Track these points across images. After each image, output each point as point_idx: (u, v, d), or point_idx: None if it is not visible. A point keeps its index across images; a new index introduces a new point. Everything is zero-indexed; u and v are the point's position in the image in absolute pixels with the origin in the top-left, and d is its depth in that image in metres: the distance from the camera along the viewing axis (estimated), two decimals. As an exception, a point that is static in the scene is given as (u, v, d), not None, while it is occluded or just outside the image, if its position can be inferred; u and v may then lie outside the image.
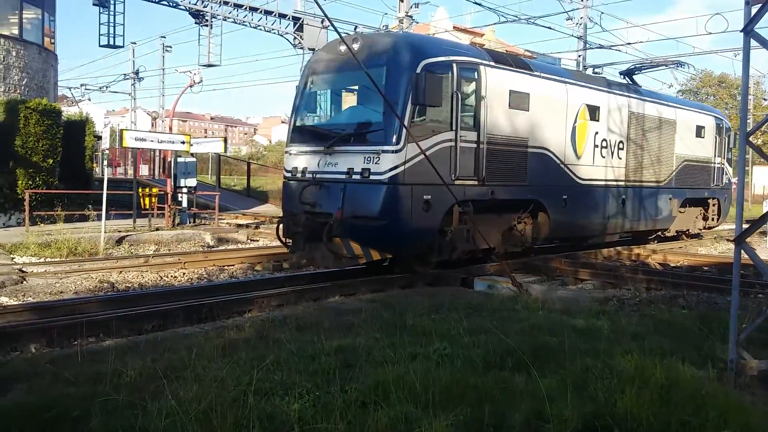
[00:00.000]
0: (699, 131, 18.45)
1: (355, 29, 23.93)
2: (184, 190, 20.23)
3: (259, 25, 25.59)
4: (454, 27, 50.22)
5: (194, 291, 9.50)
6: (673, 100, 18.74)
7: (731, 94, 63.10)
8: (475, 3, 21.02)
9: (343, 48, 10.93)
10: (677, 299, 8.77)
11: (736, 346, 4.77)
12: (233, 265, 12.99)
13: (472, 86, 11.31)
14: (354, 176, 10.29)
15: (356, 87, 11.69)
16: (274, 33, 26.28)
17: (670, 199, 17.35)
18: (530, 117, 12.47)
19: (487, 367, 5.24)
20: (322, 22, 25.72)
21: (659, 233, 18.47)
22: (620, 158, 15.24)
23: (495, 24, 24.11)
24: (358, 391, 4.54)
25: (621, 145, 15.23)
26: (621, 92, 15.56)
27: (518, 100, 12.19)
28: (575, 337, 6.16)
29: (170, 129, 22.39)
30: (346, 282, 10.39)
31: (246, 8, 25.11)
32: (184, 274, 11.98)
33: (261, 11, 25.57)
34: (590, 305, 8.37)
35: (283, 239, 11.43)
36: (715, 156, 19.38)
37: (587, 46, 27.74)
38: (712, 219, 20.24)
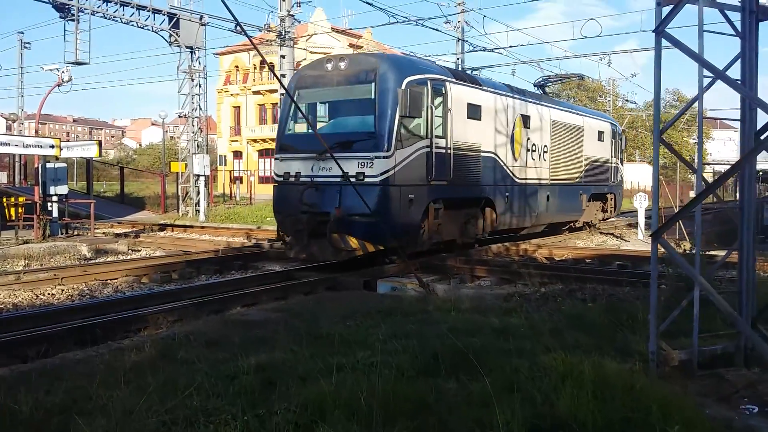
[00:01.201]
0: (600, 136, 21.18)
1: (235, 27, 23.17)
2: (55, 198, 18.70)
3: (131, 21, 24.16)
4: (332, 28, 50.10)
5: (79, 309, 8.66)
6: (581, 110, 21.94)
7: (589, 96, 67.44)
8: (367, 3, 20.92)
9: (330, 65, 12.69)
10: (575, 292, 9.07)
11: (656, 338, 4.88)
12: (117, 279, 12.08)
13: (441, 100, 12.90)
14: (350, 179, 11.04)
15: (345, 100, 12.89)
16: (148, 29, 24.93)
17: (581, 194, 19.87)
18: (482, 126, 14.36)
19: (417, 374, 5.08)
20: (201, 19, 24.72)
21: (571, 224, 20.83)
22: (545, 160, 17.54)
23: (381, 25, 24.09)
24: (291, 411, 4.23)
25: (545, 149, 17.55)
26: (545, 104, 18.08)
27: (473, 112, 14.01)
28: (495, 337, 6.16)
29: (36, 132, 20.64)
30: (246, 291, 9.92)
31: (116, 2, 23.61)
32: (62, 291, 10.98)
33: (133, 6, 24.13)
34: (496, 303, 8.48)
35: (284, 237, 12.70)
36: (611, 157, 22.21)
37: (465, 48, 28.45)
38: (610, 211, 23.10)
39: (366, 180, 11.56)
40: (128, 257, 15.77)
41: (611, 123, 22.88)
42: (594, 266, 13.15)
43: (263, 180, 57.24)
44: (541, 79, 20.71)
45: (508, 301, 8.66)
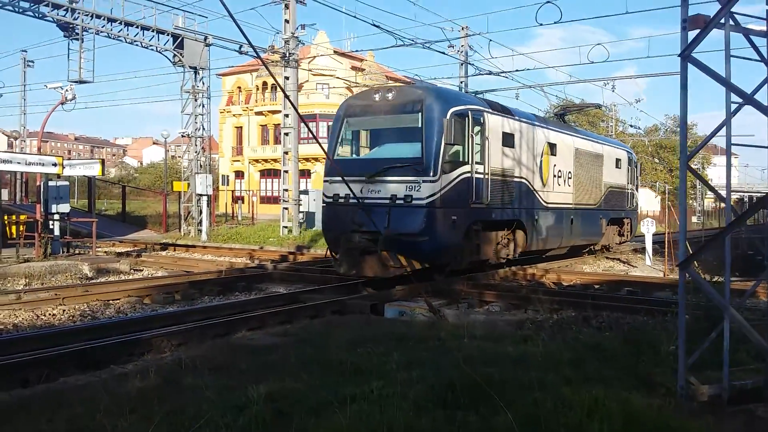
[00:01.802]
0: (617, 163, 22.20)
1: (240, 48, 23.21)
2: (56, 216, 18.52)
3: (135, 41, 24.15)
4: (334, 51, 50.30)
5: (81, 332, 8.46)
6: (600, 138, 23.03)
7: (590, 121, 67.57)
8: (374, 25, 20.94)
9: (377, 96, 13.67)
10: (590, 320, 8.85)
11: (685, 372, 4.68)
12: (119, 299, 11.87)
13: (479, 129, 13.75)
14: (397, 201, 12.45)
15: (393, 128, 13.71)
16: (152, 49, 24.93)
17: (601, 218, 20.69)
18: (514, 153, 15.25)
19: (434, 407, 4.87)
20: (205, 39, 24.73)
21: (591, 247, 21.56)
22: (569, 185, 18.43)
23: (385, 48, 24.15)
24: (306, 447, 4.02)
25: (569, 175, 18.45)
26: (569, 132, 19.27)
27: (507, 140, 14.91)
28: (512, 367, 5.94)
29: (38, 150, 20.52)
30: (251, 314, 9.71)
31: (121, 22, 23.62)
32: (64, 311, 10.77)
33: (138, 26, 24.14)
34: (509, 329, 8.27)
35: (333, 254, 13.45)
36: (628, 183, 23.16)
37: (470, 72, 28.47)
38: (626, 235, 23.73)
39: (413, 202, 12.40)
40: (130, 277, 15.57)
41: (627, 151, 23.93)
42: (607, 293, 12.92)
43: (265, 200, 57.16)
44: (560, 109, 22.54)
45: (521, 328, 8.45)
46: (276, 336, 8.11)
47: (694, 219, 55.57)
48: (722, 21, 4.50)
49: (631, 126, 46.63)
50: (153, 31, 25.00)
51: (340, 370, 5.98)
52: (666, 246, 18.19)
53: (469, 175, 13.23)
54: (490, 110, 14.49)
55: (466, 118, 13.23)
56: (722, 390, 4.83)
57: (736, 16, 4.72)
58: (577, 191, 18.88)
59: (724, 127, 4.92)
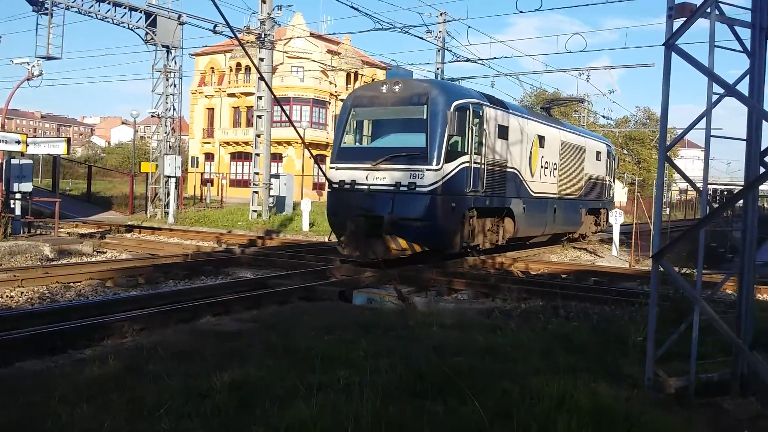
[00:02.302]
0: (597, 155, 23.06)
1: (214, 27, 22.75)
2: (18, 195, 18.01)
3: (106, 18, 23.50)
4: (310, 33, 49.76)
5: (39, 315, 8.19)
6: (582, 131, 23.71)
7: (562, 111, 68.09)
8: (352, 7, 20.66)
9: (384, 88, 14.38)
10: (557, 310, 8.85)
11: (653, 364, 4.66)
12: (80, 282, 11.55)
13: (478, 122, 14.55)
14: (401, 188, 13.23)
15: (399, 119, 14.42)
16: (124, 26, 24.31)
17: (581, 208, 21.54)
18: (508, 144, 16.11)
19: (402, 396, 4.78)
20: (179, 18, 24.19)
21: (569, 235, 22.15)
22: (554, 176, 19.29)
23: (362, 32, 23.91)
24: (270, 438, 3.90)
25: (555, 166, 19.31)
26: (556, 125, 20.18)
27: (502, 132, 15.79)
28: (481, 356, 5.89)
29: (2, 127, 19.92)
30: (217, 300, 9.52)
31: (92, -3, 22.98)
32: (22, 293, 10.44)
33: (109, 2, 23.48)
34: (478, 318, 8.23)
35: (338, 237, 13.97)
36: (606, 175, 24.06)
37: (448, 58, 28.34)
38: (602, 225, 24.50)
39: (417, 189, 13.16)
40: (93, 259, 15.22)
41: (607, 144, 24.87)
42: (574, 282, 12.98)
43: (235, 183, 56.56)
44: (546, 102, 23.89)
45: (490, 317, 8.42)
46: (242, 322, 7.94)
47: (654, 211, 56.36)
48: (708, 10, 4.43)
49: (603, 117, 46.82)
50: (125, 7, 24.36)
51: (307, 357, 5.86)
52: (633, 237, 18.37)
53: (468, 164, 14.06)
54: (488, 104, 15.32)
55: (467, 111, 14.08)
56: (689, 383, 4.83)
57: (722, 6, 4.66)
58: (561, 182, 19.73)
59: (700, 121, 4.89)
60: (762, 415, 4.28)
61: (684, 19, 4.47)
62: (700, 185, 5.03)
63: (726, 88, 4.46)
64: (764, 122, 4.90)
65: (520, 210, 16.82)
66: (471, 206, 14.45)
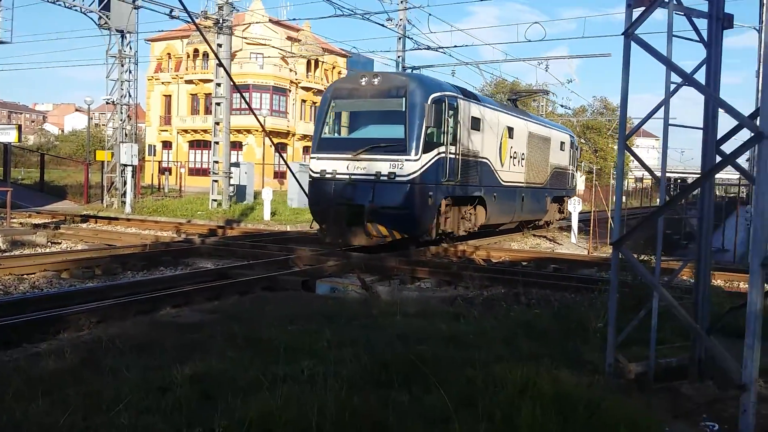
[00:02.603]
0: (561, 146, 24.02)
1: (170, 12, 22.24)
2: (-34, 185, 17.38)
3: (58, 1, 22.78)
4: (270, 19, 49.13)
5: (-9, 308, 7.93)
6: (547, 123, 24.66)
7: (522, 101, 68.66)
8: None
9: (364, 81, 14.88)
10: (519, 297, 8.94)
11: (614, 350, 4.74)
12: (34, 274, 11.24)
13: (453, 114, 15.22)
14: (381, 177, 13.87)
15: (378, 111, 14.95)
16: (76, 10, 23.60)
17: (546, 196, 22.37)
18: (480, 136, 16.82)
19: (368, 386, 4.77)
20: (133, 1, 23.56)
21: (535, 222, 23.11)
22: (522, 166, 20.06)
23: (323, 18, 23.72)
24: (233, 430, 3.84)
25: (523, 156, 20.10)
26: (523, 117, 20.94)
27: (475, 124, 16.48)
28: (445, 344, 5.91)
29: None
30: (177, 290, 9.36)
31: (42, -20, 22.23)
32: (-28, 285, 10.12)
33: (60, -15, 22.78)
34: (441, 307, 8.27)
35: (320, 225, 14.69)
36: (569, 165, 25.10)
37: (409, 46, 28.27)
38: (565, 212, 25.31)
39: (396, 179, 13.81)
40: (47, 250, 14.81)
41: (570, 135, 25.92)
42: (535, 270, 13.15)
43: (194, 172, 55.70)
44: (513, 94, 25.32)
45: (453, 305, 8.47)
46: (203, 313, 7.83)
47: (615, 199, 57.53)
48: (666, 1, 4.48)
49: (562, 106, 47.42)
50: (77, -10, 23.66)
51: (270, 348, 5.80)
52: (591, 225, 18.69)
53: (444, 155, 14.75)
54: (462, 96, 16.05)
55: (443, 104, 14.71)
56: (649, 368, 4.92)
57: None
58: (529, 171, 20.57)
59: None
60: (719, 399, 4.39)
61: (643, 8, 4.51)
62: (657, 173, 5.12)
63: (684, 77, 4.53)
64: (720, 111, 5.00)
65: (491, 198, 17.53)
66: (447, 195, 15.16)
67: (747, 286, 11.30)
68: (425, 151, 14.01)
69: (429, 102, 14.08)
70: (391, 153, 13.95)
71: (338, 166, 14.44)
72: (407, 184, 13.80)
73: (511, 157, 19.09)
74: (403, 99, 14.16)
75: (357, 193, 14.04)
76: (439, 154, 14.55)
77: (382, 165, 13.95)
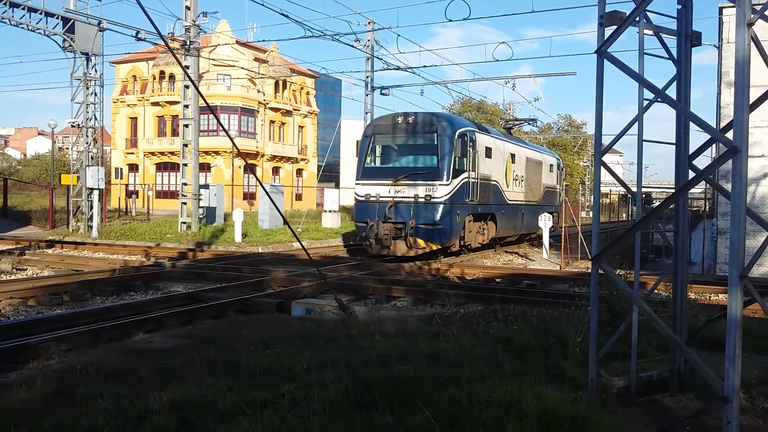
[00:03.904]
0: (551, 168, 27.45)
1: (137, 34, 22.06)
2: (-74, 212, 16.89)
3: (21, 24, 22.40)
4: (237, 41, 49.06)
5: (-44, 338, 7.66)
6: (540, 148, 28.34)
7: (488, 119, 69.56)
8: (282, 14, 20.51)
9: (400, 119, 18.12)
10: (496, 314, 8.95)
11: (596, 365, 4.75)
12: (0, 302, 10.94)
13: (472, 145, 18.32)
14: (419, 200, 17.10)
15: (414, 144, 18.15)
16: (40, 33, 23.25)
17: (540, 212, 23.90)
18: (491, 162, 19.85)
19: (350, 408, 4.70)
20: (99, 24, 23.32)
21: (531, 235, 25.57)
22: (521, 187, 23.10)
23: (292, 39, 23.93)
24: (215, 460, 3.74)
25: (522, 178, 23.14)
26: (522, 144, 24.63)
27: (488, 152, 19.58)
28: (426, 364, 5.87)
29: None
30: (149, 316, 9.16)
31: (5, 2, 21.81)
32: (-66, 315, 9.78)
33: (24, 7, 22.38)
34: (420, 325, 8.22)
35: (367, 239, 17.58)
36: (557, 184, 28.56)
37: (378, 66, 28.42)
38: (555, 226, 27.00)
39: (432, 200, 17.01)
40: (12, 277, 14.42)
41: (557, 158, 29.60)
42: (511, 286, 13.19)
43: (161, 194, 55.07)
44: (506, 123, 29.30)
45: (431, 323, 8.43)
46: (177, 338, 7.68)
47: (583, 214, 58.27)
48: (636, 19, 4.57)
49: (528, 124, 48.05)
50: (41, 13, 23.23)
51: (248, 373, 5.71)
52: (562, 240, 18.87)
53: (467, 179, 17.91)
54: (478, 130, 19.30)
55: (466, 137, 17.86)
56: (630, 382, 4.94)
57: (649, 15, 4.82)
58: (527, 191, 23.70)
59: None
60: (701, 411, 4.41)
61: (615, 27, 4.58)
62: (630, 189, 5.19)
63: (656, 93, 4.60)
64: (692, 127, 5.09)
65: (500, 214, 20.65)
66: (469, 212, 18.29)
67: (718, 298, 11.46)
68: (454, 176, 17.20)
69: (456, 136, 17.30)
70: (426, 179, 17.07)
71: (381, 191, 17.52)
72: (441, 205, 16.93)
73: (514, 179, 22.16)
74: (435, 134, 17.46)
75: (399, 212, 17.10)
76: (463, 179, 17.70)
77: (419, 189, 17.10)
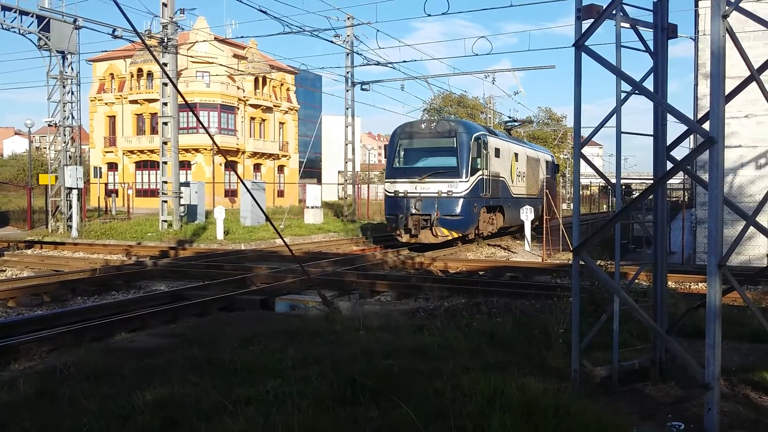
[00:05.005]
0: (547, 165, 30.35)
1: (113, 32, 21.82)
2: None
3: (-6, 23, 22.07)
4: (215, 38, 48.70)
5: (-66, 341, 7.56)
6: (537, 147, 31.52)
7: (469, 113, 69.72)
8: (261, 11, 20.37)
9: (424, 125, 21.23)
10: (479, 306, 8.98)
11: (579, 356, 4.80)
12: (-22, 303, 10.80)
13: (484, 147, 20.83)
14: (442, 194, 19.74)
15: (436, 147, 20.57)
16: (14, 32, 22.91)
17: (538, 205, 26.21)
18: (499, 161, 22.61)
19: (335, 404, 4.70)
20: (74, 22, 23.03)
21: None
22: (524, 182, 25.81)
23: (271, 35, 23.79)
24: (199, 458, 3.73)
25: (523, 175, 25.80)
26: (523, 145, 27.73)
27: (496, 152, 22.29)
28: (410, 358, 5.89)
29: None
30: (131, 315, 9.10)
31: (-22, 1, 21.50)
32: None
33: (-3, 6, 22.07)
34: (404, 320, 8.24)
35: (397, 230, 20.29)
36: (552, 178, 30.85)
37: (358, 62, 28.34)
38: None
39: (453, 195, 19.71)
40: (-9, 279, 14.24)
41: (551, 155, 33.07)
42: (494, 279, 13.26)
43: (141, 193, 54.59)
44: (507, 124, 32.12)
45: (415, 317, 8.45)
46: (160, 337, 7.63)
47: (564, 206, 58.66)
48: (613, 12, 4.60)
49: (509, 117, 48.28)
50: (15, 11, 22.90)
51: (232, 370, 5.69)
52: (544, 233, 18.98)
53: (482, 177, 20.54)
54: (489, 134, 22.13)
55: (480, 140, 20.51)
56: (612, 371, 5.00)
57: (626, 8, 4.85)
58: (527, 186, 26.29)
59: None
60: (683, 399, 4.48)
61: (592, 20, 4.62)
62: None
63: (633, 86, 4.65)
64: (669, 118, 5.14)
65: (507, 207, 23.24)
66: (483, 205, 21.01)
67: (698, 287, 11.60)
68: (471, 174, 19.90)
69: (472, 139, 20.00)
70: (448, 177, 19.70)
71: (408, 187, 20.20)
72: (461, 199, 19.63)
73: (517, 175, 24.85)
74: (454, 138, 20.11)
75: (425, 206, 19.75)
76: (479, 176, 20.32)
77: (441, 186, 19.71)
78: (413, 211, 19.69)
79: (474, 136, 20.21)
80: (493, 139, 22.19)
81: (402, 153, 21.06)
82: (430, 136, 20.58)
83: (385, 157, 21.75)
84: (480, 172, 20.37)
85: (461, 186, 19.61)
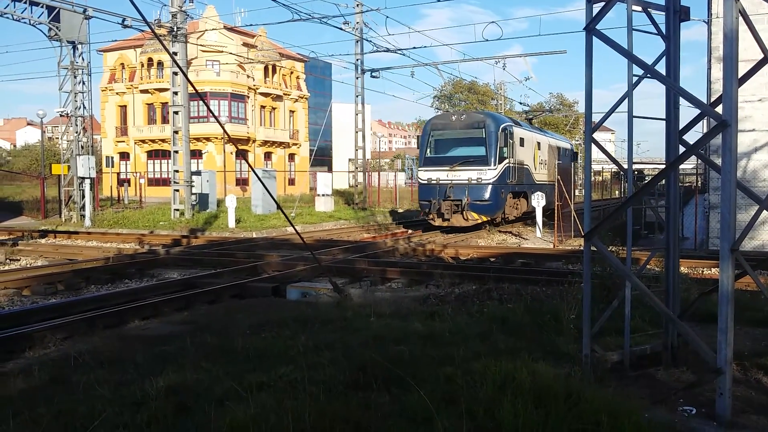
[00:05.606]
0: (565, 152, 31.99)
1: (123, 21, 21.84)
2: None
3: (5, 13, 22.11)
4: (225, 26, 48.64)
5: (-50, 330, 7.65)
6: (555, 136, 33.24)
7: (480, 100, 69.36)
8: (267, -3, 20.24)
9: (454, 117, 22.79)
10: (490, 293, 8.98)
11: (590, 341, 4.79)
12: (-6, 292, 10.91)
13: (510, 137, 22.32)
14: (472, 181, 21.27)
15: (466, 137, 22.09)
16: (25, 22, 22.99)
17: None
18: (524, 150, 23.99)
19: (346, 389, 4.73)
20: (84, 12, 23.07)
21: (552, 209, 28.62)
22: (545, 169, 27.46)
23: (280, 23, 23.71)
24: (212, 443, 3.76)
25: (545, 162, 27.51)
26: (544, 134, 29.59)
27: (521, 142, 23.71)
28: (422, 344, 5.90)
29: None
30: (144, 303, 9.17)
31: (-12, -8, 21.58)
32: (-71, 307, 9.76)
33: (8, -4, 22.14)
34: (415, 306, 8.26)
35: (428, 214, 21.88)
36: (570, 166, 32.79)
37: (367, 49, 28.23)
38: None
39: (482, 181, 21.23)
40: (6, 267, 14.39)
41: (570, 143, 35.19)
42: (505, 265, 13.24)
43: (153, 182, 54.83)
44: (528, 114, 35.48)
45: (426, 304, 8.46)
46: (173, 324, 7.70)
47: (576, 192, 58.33)
48: (625, -6, 4.55)
49: (520, 104, 48.07)
50: (25, 2, 22.98)
51: (244, 357, 5.73)
52: (555, 219, 18.91)
53: (508, 165, 22.06)
54: (514, 125, 23.63)
55: (506, 131, 22.03)
56: (624, 356, 4.98)
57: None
58: (548, 173, 27.73)
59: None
60: (694, 384, 4.46)
61: (603, 3, 4.57)
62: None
63: (646, 69, 4.60)
64: (682, 103, 5.09)
65: (529, 193, 23.67)
66: (509, 191, 22.46)
67: (710, 272, 11.53)
68: (499, 162, 21.35)
69: (500, 130, 21.51)
70: (477, 165, 21.22)
71: (440, 175, 21.72)
72: (490, 185, 21.11)
73: (540, 163, 26.44)
74: (483, 129, 21.60)
75: (456, 192, 21.25)
76: (506, 164, 21.81)
77: (471, 173, 21.24)
78: (445, 196, 21.12)
79: (501, 126, 21.62)
80: (518, 129, 23.57)
81: (434, 143, 22.48)
82: (460, 127, 22.02)
83: (417, 146, 23.36)
84: (506, 161, 21.75)
85: (490, 173, 21.06)
